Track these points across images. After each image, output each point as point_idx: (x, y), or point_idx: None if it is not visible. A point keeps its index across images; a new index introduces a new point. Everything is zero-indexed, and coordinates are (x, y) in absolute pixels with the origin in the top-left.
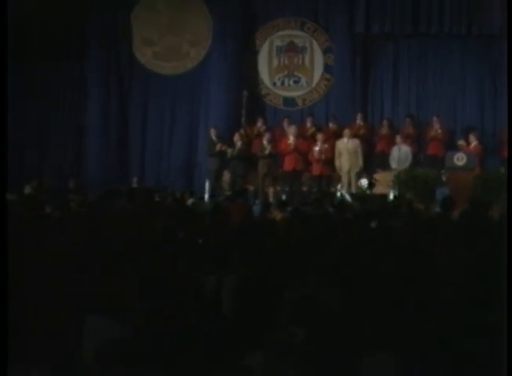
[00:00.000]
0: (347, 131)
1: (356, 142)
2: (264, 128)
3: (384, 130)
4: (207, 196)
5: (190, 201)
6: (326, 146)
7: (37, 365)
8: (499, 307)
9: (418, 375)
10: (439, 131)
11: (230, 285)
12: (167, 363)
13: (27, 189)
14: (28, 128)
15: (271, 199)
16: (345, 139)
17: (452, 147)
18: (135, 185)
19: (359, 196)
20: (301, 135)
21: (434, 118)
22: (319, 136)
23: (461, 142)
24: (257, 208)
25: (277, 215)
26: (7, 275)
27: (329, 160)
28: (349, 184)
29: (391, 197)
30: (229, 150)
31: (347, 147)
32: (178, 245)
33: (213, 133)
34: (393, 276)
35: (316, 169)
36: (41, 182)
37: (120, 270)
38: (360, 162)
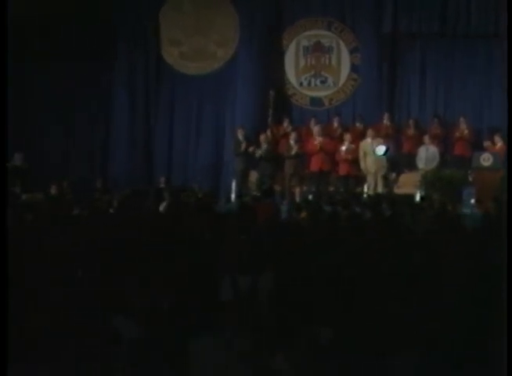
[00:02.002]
0: (370, 132)
1: (380, 142)
2: (290, 128)
3: (411, 130)
4: (233, 196)
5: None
6: (352, 146)
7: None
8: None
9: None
10: (466, 131)
11: (265, 285)
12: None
13: (53, 190)
14: (54, 128)
15: (297, 199)
16: (369, 140)
17: (479, 148)
18: (162, 185)
19: (386, 196)
20: (327, 135)
21: (461, 119)
22: (346, 136)
23: (487, 143)
24: (284, 208)
25: (304, 215)
26: (23, 276)
27: (356, 161)
28: (375, 185)
29: (418, 197)
30: (257, 151)
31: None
32: (205, 246)
33: (240, 133)
34: (420, 275)
35: (343, 169)
36: (67, 183)
37: (147, 270)
38: (384, 163)
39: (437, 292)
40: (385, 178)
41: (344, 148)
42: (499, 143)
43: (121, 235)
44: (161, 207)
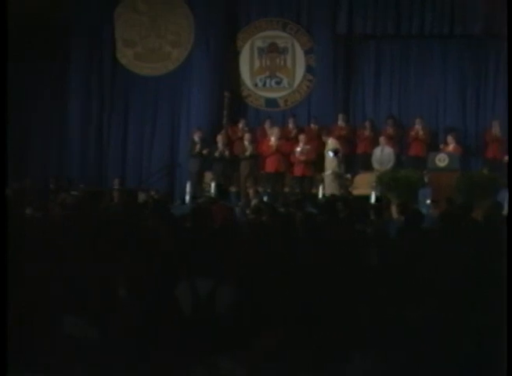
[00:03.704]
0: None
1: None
2: (246, 129)
3: (366, 131)
4: (188, 197)
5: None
6: (307, 147)
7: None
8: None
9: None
10: (421, 132)
11: (221, 290)
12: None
13: (9, 190)
14: (9, 129)
15: (252, 200)
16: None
17: (435, 148)
18: (116, 186)
19: (341, 197)
20: (282, 136)
21: (417, 119)
22: (301, 137)
23: (443, 144)
24: (239, 210)
25: (259, 216)
26: None
27: (312, 162)
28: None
29: (373, 198)
30: (213, 152)
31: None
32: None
33: (195, 134)
34: (377, 277)
35: (298, 170)
36: (22, 183)
37: (103, 271)
38: (336, 164)
39: (396, 293)
40: (340, 178)
41: (299, 149)
42: (452, 144)
43: (74, 237)
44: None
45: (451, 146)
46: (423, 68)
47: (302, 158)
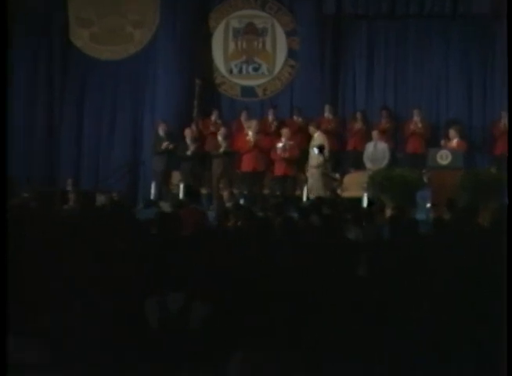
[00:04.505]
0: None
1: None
2: (219, 122)
3: (357, 124)
4: (153, 199)
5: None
6: (290, 142)
7: None
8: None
9: None
10: (420, 125)
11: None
12: None
13: None
14: None
15: (227, 204)
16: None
17: (435, 144)
18: (69, 187)
19: (328, 200)
20: (261, 130)
21: (415, 111)
22: (284, 132)
23: (444, 139)
24: (212, 215)
25: (234, 221)
26: None
27: (295, 159)
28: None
29: (365, 201)
30: (180, 148)
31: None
32: (122, 258)
33: (161, 128)
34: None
35: (279, 169)
36: None
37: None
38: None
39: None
40: (327, 179)
41: (280, 145)
42: (455, 139)
43: (20, 244)
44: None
45: (454, 142)
46: (422, 52)
47: (284, 155)
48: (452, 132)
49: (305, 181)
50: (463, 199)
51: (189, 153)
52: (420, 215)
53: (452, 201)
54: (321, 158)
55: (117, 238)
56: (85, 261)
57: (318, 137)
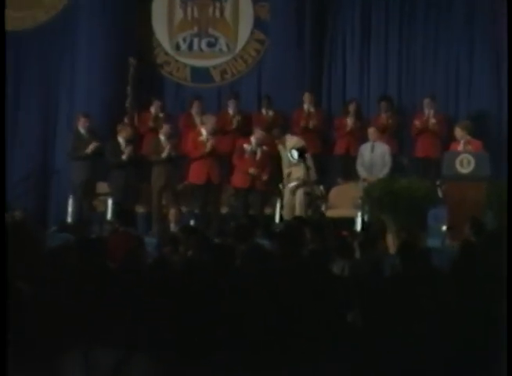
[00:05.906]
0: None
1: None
2: (161, 116)
3: (349, 120)
4: (70, 221)
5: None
6: (264, 148)
7: None
8: None
9: None
10: (433, 120)
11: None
12: None
13: None
14: None
15: (172, 227)
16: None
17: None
18: None
19: (309, 221)
20: (219, 127)
21: (425, 101)
22: (257, 133)
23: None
24: (151, 241)
25: (183, 251)
26: None
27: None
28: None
29: (359, 222)
30: (107, 151)
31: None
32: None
33: (81, 125)
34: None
35: (243, 180)
36: None
37: None
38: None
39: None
40: (309, 193)
41: (248, 148)
42: (464, 140)
43: None
44: None
45: (461, 143)
46: (435, 26)
47: (252, 165)
48: (458, 132)
49: (278, 195)
50: (489, 219)
51: (123, 158)
52: (432, 242)
53: (479, 222)
54: (301, 165)
55: (19, 273)
56: None
57: (290, 139)
